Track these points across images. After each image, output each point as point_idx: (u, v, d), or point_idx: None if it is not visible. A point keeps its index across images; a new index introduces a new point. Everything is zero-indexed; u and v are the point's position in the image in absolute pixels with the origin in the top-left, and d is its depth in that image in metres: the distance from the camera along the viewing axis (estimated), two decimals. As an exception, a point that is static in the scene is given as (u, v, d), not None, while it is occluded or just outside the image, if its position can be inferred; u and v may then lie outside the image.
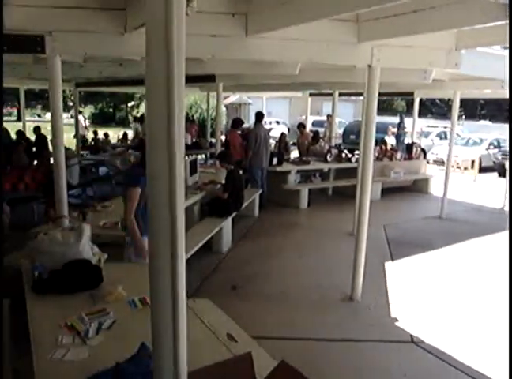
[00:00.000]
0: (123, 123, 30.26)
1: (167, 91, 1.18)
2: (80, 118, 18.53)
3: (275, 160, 8.94)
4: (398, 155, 10.65)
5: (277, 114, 26.01)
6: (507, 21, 2.90)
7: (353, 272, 4.78)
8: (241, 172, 7.12)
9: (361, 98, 13.07)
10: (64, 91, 13.49)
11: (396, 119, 15.93)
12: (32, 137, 11.72)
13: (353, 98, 19.50)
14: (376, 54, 4.22)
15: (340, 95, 10.99)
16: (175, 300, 1.32)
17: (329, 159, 9.68)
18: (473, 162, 13.91)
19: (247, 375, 1.60)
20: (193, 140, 13.54)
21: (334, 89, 10.31)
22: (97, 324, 2.52)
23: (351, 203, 7.52)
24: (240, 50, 3.94)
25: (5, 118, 24.19)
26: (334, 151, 9.96)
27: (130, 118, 31.23)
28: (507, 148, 12.50)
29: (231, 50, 3.94)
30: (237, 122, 9.37)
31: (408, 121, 13.73)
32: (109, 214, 4.85)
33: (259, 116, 8.87)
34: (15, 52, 3.99)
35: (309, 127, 15.65)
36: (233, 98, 21.73)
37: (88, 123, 18.82)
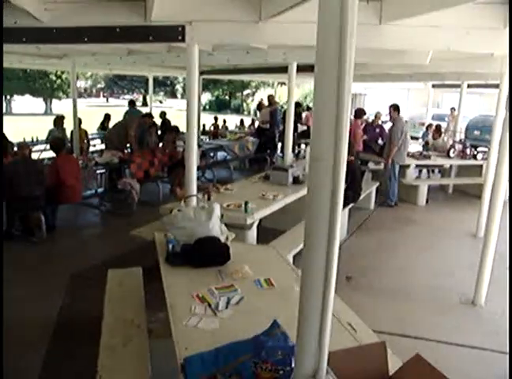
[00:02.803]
0: (238, 110, 31.24)
1: (338, 78, 1.21)
2: None
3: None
4: (531, 153, 9.68)
5: (394, 106, 24.97)
6: None
7: (478, 276, 4.49)
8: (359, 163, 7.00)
9: (488, 90, 12.00)
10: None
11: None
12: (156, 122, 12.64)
13: (478, 90, 17.89)
14: (527, 39, 3.84)
15: (469, 86, 10.19)
16: (327, 279, 1.36)
17: (452, 154, 9.12)
18: None
19: (381, 363, 1.60)
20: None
21: (462, 80, 9.60)
22: (226, 298, 2.65)
23: (473, 202, 7.06)
24: (373, 38, 3.85)
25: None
26: (458, 146, 9.35)
27: (245, 105, 32.25)
28: None
29: (365, 38, 3.85)
30: (360, 112, 9.11)
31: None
32: (232, 196, 5.07)
33: (398, 108, 8.10)
34: (159, 41, 4.31)
35: (428, 120, 14.90)
36: (348, 88, 21.34)
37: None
